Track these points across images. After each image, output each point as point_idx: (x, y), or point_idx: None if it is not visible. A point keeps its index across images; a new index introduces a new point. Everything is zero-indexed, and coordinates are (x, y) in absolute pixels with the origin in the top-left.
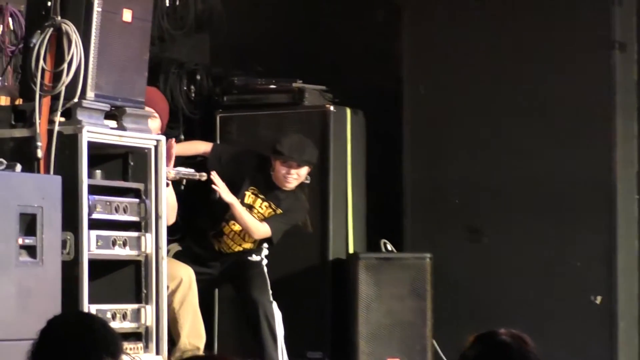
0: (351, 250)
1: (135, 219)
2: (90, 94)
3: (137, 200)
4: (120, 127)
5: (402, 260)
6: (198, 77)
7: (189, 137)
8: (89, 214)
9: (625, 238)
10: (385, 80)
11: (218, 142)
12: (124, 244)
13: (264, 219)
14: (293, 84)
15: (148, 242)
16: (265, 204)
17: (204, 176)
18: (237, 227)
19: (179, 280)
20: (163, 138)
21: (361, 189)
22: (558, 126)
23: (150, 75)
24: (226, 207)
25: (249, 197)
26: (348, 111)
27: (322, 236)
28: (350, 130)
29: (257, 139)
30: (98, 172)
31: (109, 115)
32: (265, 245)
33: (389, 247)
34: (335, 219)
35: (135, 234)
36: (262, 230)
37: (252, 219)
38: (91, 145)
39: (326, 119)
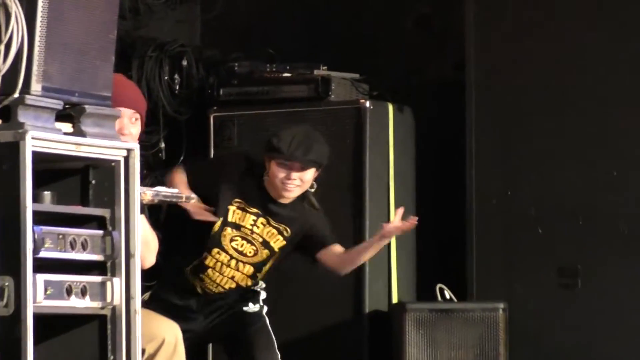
0: (395, 300)
1: (98, 257)
2: (36, 86)
3: (100, 232)
4: (78, 132)
5: (466, 312)
6: (185, 62)
7: (173, 144)
8: (35, 251)
9: None
10: (441, 66)
11: (212, 150)
12: (83, 293)
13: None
14: (315, 72)
15: (116, 289)
16: (262, 220)
17: (192, 198)
18: (223, 257)
19: (159, 342)
20: (136, 147)
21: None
22: None
23: (119, 60)
24: (207, 230)
25: (234, 214)
26: (390, 107)
27: (356, 281)
28: (394, 134)
29: None
30: (47, 194)
31: (62, 116)
32: (262, 284)
33: (448, 294)
34: (373, 257)
35: (98, 278)
36: None
37: None
38: (38, 158)
39: (360, 118)
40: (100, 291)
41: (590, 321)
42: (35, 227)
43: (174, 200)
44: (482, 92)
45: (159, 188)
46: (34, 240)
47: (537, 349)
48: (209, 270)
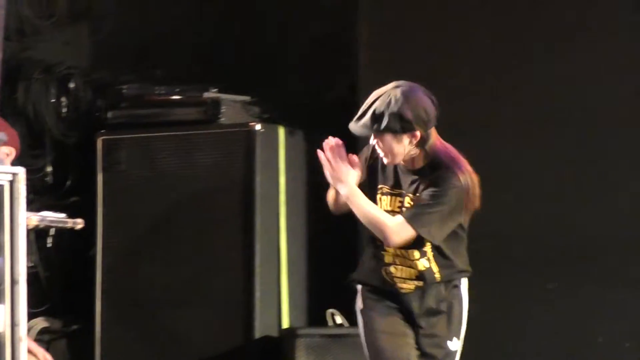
0: (286, 325)
1: None
2: None
3: None
4: None
5: (357, 337)
6: (72, 85)
7: (60, 168)
8: None
9: None
10: (334, 88)
11: (100, 174)
12: None
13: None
14: (205, 94)
15: (0, 316)
16: (410, 197)
17: (79, 224)
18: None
19: None
20: (22, 171)
21: (300, 240)
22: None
23: (4, 83)
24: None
25: (380, 202)
26: (281, 130)
27: (246, 307)
28: (285, 157)
29: (156, 170)
30: None
31: None
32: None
33: (339, 319)
34: (263, 282)
35: None
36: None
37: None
38: None
39: (251, 141)
40: None
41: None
42: None
43: (60, 225)
44: None
45: (44, 213)
46: None
47: None
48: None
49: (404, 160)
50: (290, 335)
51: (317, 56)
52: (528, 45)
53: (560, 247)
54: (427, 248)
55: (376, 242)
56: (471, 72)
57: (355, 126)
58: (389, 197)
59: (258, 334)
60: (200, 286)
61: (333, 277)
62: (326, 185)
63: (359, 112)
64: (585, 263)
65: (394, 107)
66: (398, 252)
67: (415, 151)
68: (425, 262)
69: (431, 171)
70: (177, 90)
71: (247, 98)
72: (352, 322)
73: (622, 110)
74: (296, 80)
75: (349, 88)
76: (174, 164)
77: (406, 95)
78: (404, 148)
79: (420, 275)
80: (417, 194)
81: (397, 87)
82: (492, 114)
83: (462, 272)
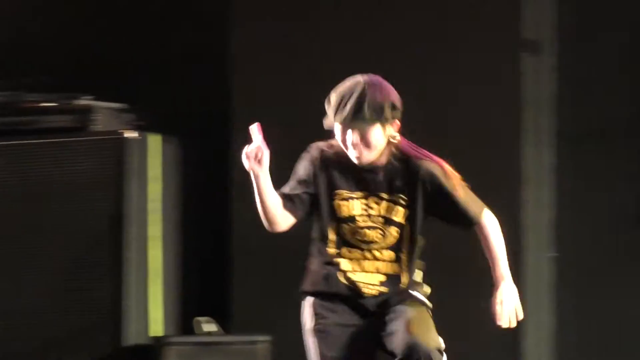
0: (157, 333)
1: None
2: None
3: None
4: None
5: (227, 345)
6: None
7: None
8: None
9: None
10: (209, 96)
11: None
12: None
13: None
14: (77, 101)
15: None
16: (373, 198)
17: None
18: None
19: None
20: None
21: (173, 249)
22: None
23: None
24: None
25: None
26: (155, 138)
27: (115, 314)
28: (158, 165)
29: (28, 180)
30: None
31: None
32: None
33: (209, 327)
34: (134, 290)
35: None
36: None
37: None
38: None
39: (124, 148)
40: None
41: None
42: None
43: None
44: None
45: None
46: None
47: None
48: None
49: (363, 162)
50: (160, 343)
51: (192, 64)
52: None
53: None
54: (404, 251)
55: (329, 245)
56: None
57: (341, 117)
58: (349, 201)
59: (128, 342)
60: (69, 294)
61: (205, 286)
62: (199, 193)
63: (334, 106)
64: None
65: (387, 96)
66: (365, 253)
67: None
68: (396, 267)
69: (402, 164)
70: (49, 97)
71: (120, 105)
72: (226, 329)
73: None
74: (170, 88)
75: (223, 96)
76: (45, 172)
77: (387, 84)
78: (382, 143)
79: (387, 281)
80: (394, 192)
81: (370, 77)
82: None
83: (418, 285)
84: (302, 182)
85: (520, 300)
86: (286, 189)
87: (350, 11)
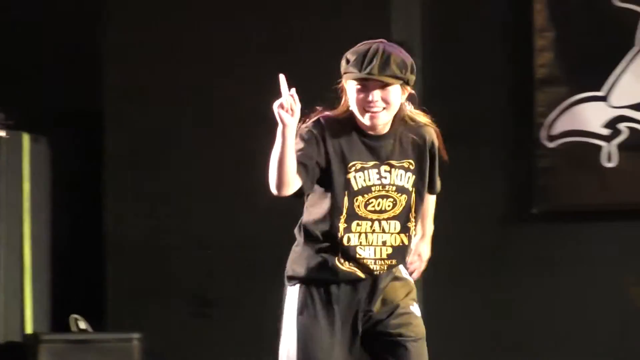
0: (29, 331)
1: None
2: None
3: None
4: None
5: (100, 342)
6: None
7: None
8: None
9: None
10: (79, 95)
11: None
12: None
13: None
14: None
15: None
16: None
17: None
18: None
19: None
20: None
21: (44, 246)
22: None
23: None
24: None
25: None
26: (25, 137)
27: None
28: (30, 165)
29: None
30: None
31: None
32: None
33: (83, 325)
34: (6, 288)
35: None
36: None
37: None
38: None
39: None
40: None
41: (227, 348)
42: None
43: None
44: (118, 122)
45: None
46: None
47: None
48: None
49: (378, 124)
50: (33, 340)
51: (61, 64)
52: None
53: None
54: (411, 219)
55: (340, 220)
56: (216, 74)
57: (368, 71)
58: (364, 172)
59: (0, 339)
60: None
61: (78, 283)
62: (71, 191)
63: (358, 62)
64: None
65: (408, 57)
66: (374, 226)
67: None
68: (404, 237)
69: (410, 131)
70: None
71: None
72: (98, 327)
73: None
74: (40, 87)
75: (94, 96)
76: None
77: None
78: (397, 107)
79: (394, 253)
80: (404, 159)
81: (385, 42)
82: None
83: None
84: (311, 157)
85: None
86: (299, 156)
87: (223, 11)
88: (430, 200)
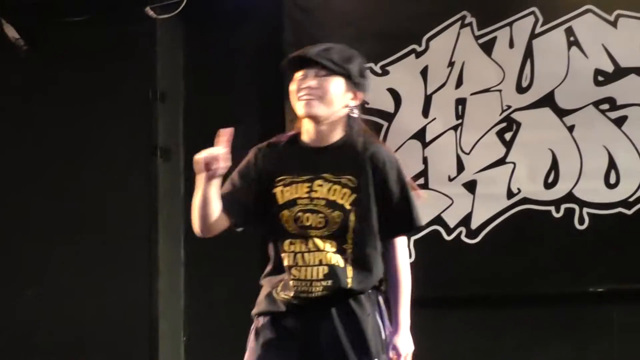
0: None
1: None
2: None
3: None
4: None
5: None
6: None
7: None
8: None
9: None
10: None
11: None
12: None
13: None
14: None
15: None
16: (318, 181)
17: None
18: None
19: None
20: None
21: None
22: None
23: None
24: None
25: (282, 194)
26: None
27: None
28: None
29: None
30: None
31: None
32: None
33: None
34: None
35: None
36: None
37: None
38: None
39: None
40: None
41: None
42: None
43: None
44: None
45: None
46: None
47: None
48: None
49: (316, 132)
50: None
51: None
52: None
53: None
54: (349, 242)
55: (274, 248)
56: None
57: (305, 52)
58: (292, 186)
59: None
60: None
61: None
62: None
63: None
64: None
65: (359, 58)
66: (308, 244)
67: (336, 117)
68: (339, 258)
69: (355, 144)
70: None
71: None
72: None
73: None
74: None
75: None
76: None
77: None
78: (338, 103)
79: (330, 273)
80: (340, 174)
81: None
82: None
83: (379, 287)
84: (239, 193)
85: None
86: (226, 188)
87: None
88: (399, 248)
